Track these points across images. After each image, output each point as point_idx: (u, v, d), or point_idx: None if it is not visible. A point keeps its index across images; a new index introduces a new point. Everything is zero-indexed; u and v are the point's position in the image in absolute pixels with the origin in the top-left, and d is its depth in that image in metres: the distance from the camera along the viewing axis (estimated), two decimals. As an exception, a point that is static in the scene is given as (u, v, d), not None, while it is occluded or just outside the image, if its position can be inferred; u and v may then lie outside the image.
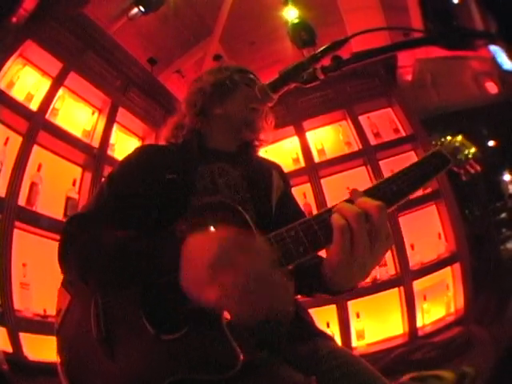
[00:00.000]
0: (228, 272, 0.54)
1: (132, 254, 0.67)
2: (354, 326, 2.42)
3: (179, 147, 0.95)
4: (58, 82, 2.19)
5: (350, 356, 0.78)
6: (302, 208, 1.07)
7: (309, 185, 2.63)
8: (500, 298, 2.01)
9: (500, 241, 2.40)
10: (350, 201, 0.63)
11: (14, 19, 1.66)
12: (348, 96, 2.78)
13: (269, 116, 1.01)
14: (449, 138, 0.83)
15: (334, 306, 2.39)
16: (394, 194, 0.67)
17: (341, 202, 0.63)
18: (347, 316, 2.40)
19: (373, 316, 2.47)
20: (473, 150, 0.82)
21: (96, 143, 2.33)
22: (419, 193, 2.45)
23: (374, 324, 2.47)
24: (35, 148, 2.03)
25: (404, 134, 2.71)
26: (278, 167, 1.03)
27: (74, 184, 2.21)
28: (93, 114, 2.45)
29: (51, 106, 2.14)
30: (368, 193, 0.65)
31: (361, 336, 2.41)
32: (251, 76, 1.00)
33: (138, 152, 0.91)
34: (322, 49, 0.79)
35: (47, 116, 2.11)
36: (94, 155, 2.28)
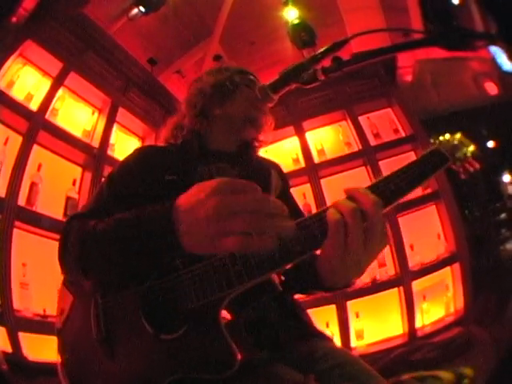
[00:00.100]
0: (234, 218, 0.52)
1: (126, 227, 0.66)
2: (354, 326, 2.42)
3: (178, 148, 0.95)
4: (58, 82, 2.19)
5: (349, 356, 0.78)
6: (302, 208, 1.07)
7: (308, 185, 2.63)
8: (500, 299, 2.00)
9: (499, 241, 2.40)
10: (349, 198, 0.63)
11: (14, 19, 1.66)
12: (348, 96, 2.79)
13: (268, 117, 1.01)
14: (447, 136, 0.83)
15: (333, 306, 2.39)
16: (392, 192, 0.67)
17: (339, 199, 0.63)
18: (346, 316, 2.40)
19: (372, 316, 2.48)
20: (471, 147, 0.82)
21: (96, 143, 2.34)
22: (419, 193, 2.45)
23: (374, 324, 2.47)
24: (35, 148, 2.03)
25: (404, 135, 2.71)
26: (276, 167, 1.04)
27: (73, 184, 2.21)
28: (93, 113, 2.45)
29: (51, 106, 2.14)
30: None
31: (360, 336, 2.42)
32: (251, 77, 1.00)
33: (138, 153, 0.91)
34: (322, 50, 0.79)
35: (47, 116, 2.11)
36: (93, 155, 2.29)
